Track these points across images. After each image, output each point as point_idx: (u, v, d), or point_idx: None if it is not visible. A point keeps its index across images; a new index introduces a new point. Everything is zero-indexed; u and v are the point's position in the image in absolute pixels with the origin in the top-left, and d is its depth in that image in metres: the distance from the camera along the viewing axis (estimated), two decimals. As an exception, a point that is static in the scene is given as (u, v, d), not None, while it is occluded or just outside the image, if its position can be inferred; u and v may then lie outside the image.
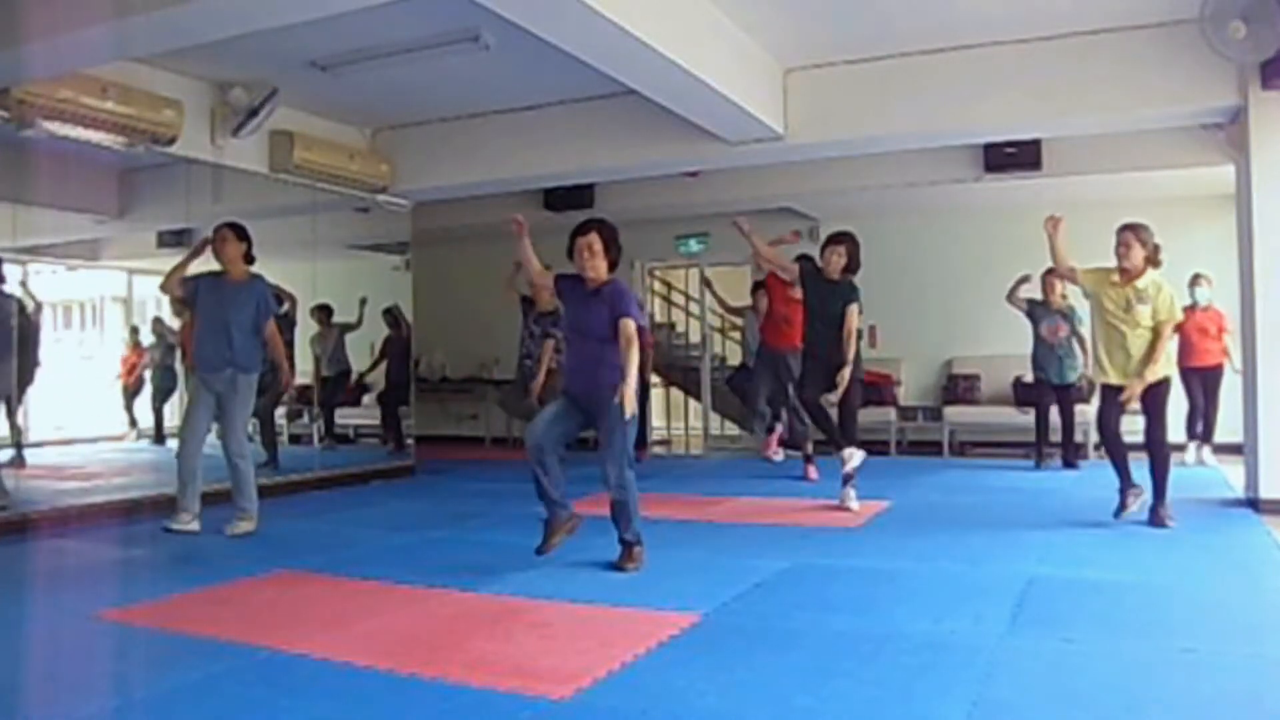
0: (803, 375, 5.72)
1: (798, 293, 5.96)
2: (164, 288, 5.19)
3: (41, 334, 6.70)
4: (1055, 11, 5.36)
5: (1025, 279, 7.02)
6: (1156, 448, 4.83)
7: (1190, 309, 7.30)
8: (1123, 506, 4.93)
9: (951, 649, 2.90)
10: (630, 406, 3.80)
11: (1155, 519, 4.81)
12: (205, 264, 5.23)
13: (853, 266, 5.54)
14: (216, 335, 5.03)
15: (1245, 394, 5.66)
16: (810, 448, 6.78)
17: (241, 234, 5.14)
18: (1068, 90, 5.66)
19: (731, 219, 6.00)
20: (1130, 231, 4.83)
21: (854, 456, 5.50)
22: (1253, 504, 5.38)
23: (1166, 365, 4.87)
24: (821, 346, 5.51)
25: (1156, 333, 4.79)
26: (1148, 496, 4.89)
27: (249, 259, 5.16)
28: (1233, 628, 3.13)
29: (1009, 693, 2.55)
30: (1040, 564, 4.04)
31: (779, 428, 7.45)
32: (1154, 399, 4.83)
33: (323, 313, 8.11)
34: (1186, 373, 7.33)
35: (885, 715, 2.41)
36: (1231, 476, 6.29)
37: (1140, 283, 4.79)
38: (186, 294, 5.12)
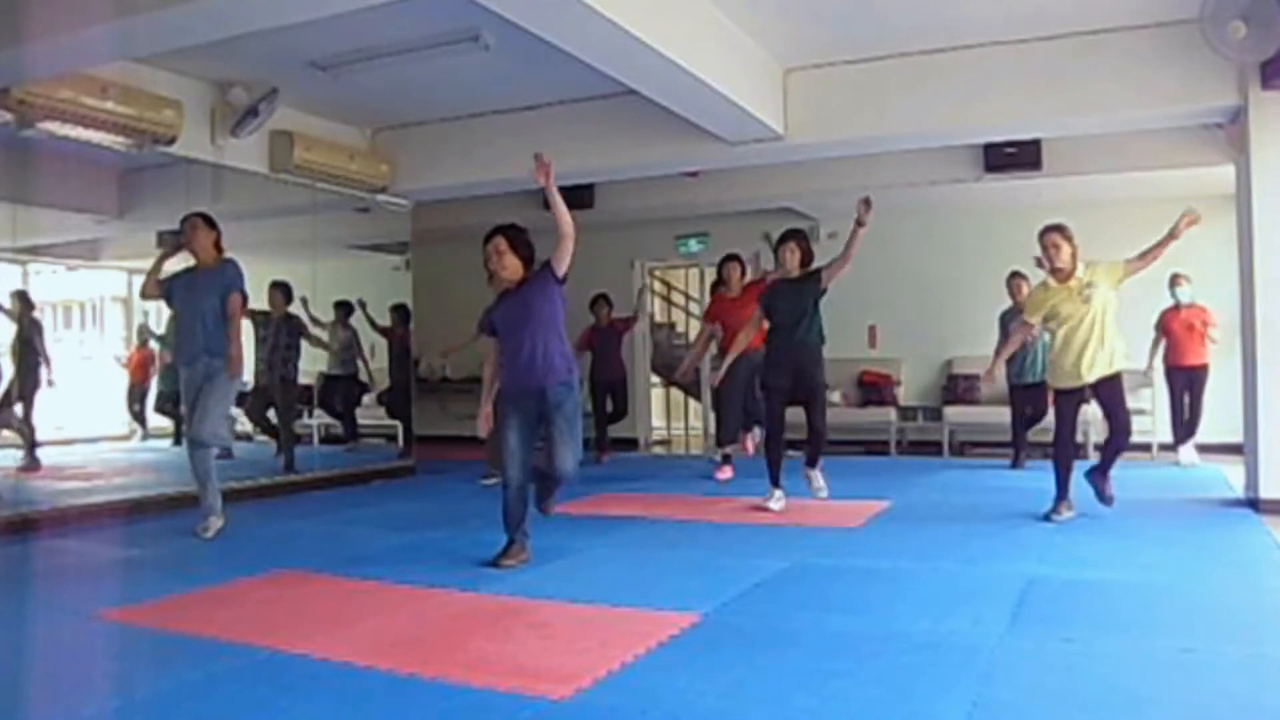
0: (768, 400, 5.60)
1: (731, 294, 6.66)
2: (144, 293, 5.18)
3: (40, 342, 6.69)
4: (1055, 11, 5.36)
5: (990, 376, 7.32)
6: (1122, 433, 4.93)
7: (1174, 309, 7.32)
8: (1055, 512, 5.03)
9: (951, 649, 2.90)
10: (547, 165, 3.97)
11: (1094, 480, 4.97)
12: (182, 260, 5.17)
13: (807, 260, 5.58)
14: (191, 325, 4.96)
15: (1245, 394, 5.66)
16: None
17: (211, 223, 5.06)
18: (1068, 90, 5.66)
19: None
20: (1056, 233, 4.92)
21: (817, 479, 5.72)
22: (1253, 504, 5.37)
23: (1120, 360, 4.92)
24: (787, 355, 5.46)
25: (1136, 265, 4.88)
26: (1074, 514, 5.03)
27: (219, 247, 5.08)
28: (1233, 628, 3.13)
29: (1009, 693, 2.55)
30: (1040, 564, 4.04)
31: (757, 431, 7.16)
32: (1109, 394, 4.92)
33: (341, 310, 8.09)
34: (1172, 371, 7.37)
35: (885, 715, 2.41)
36: (1231, 476, 6.29)
37: (1079, 274, 4.89)
38: (163, 294, 5.08)
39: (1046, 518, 5.02)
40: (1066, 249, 4.88)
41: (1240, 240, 5.65)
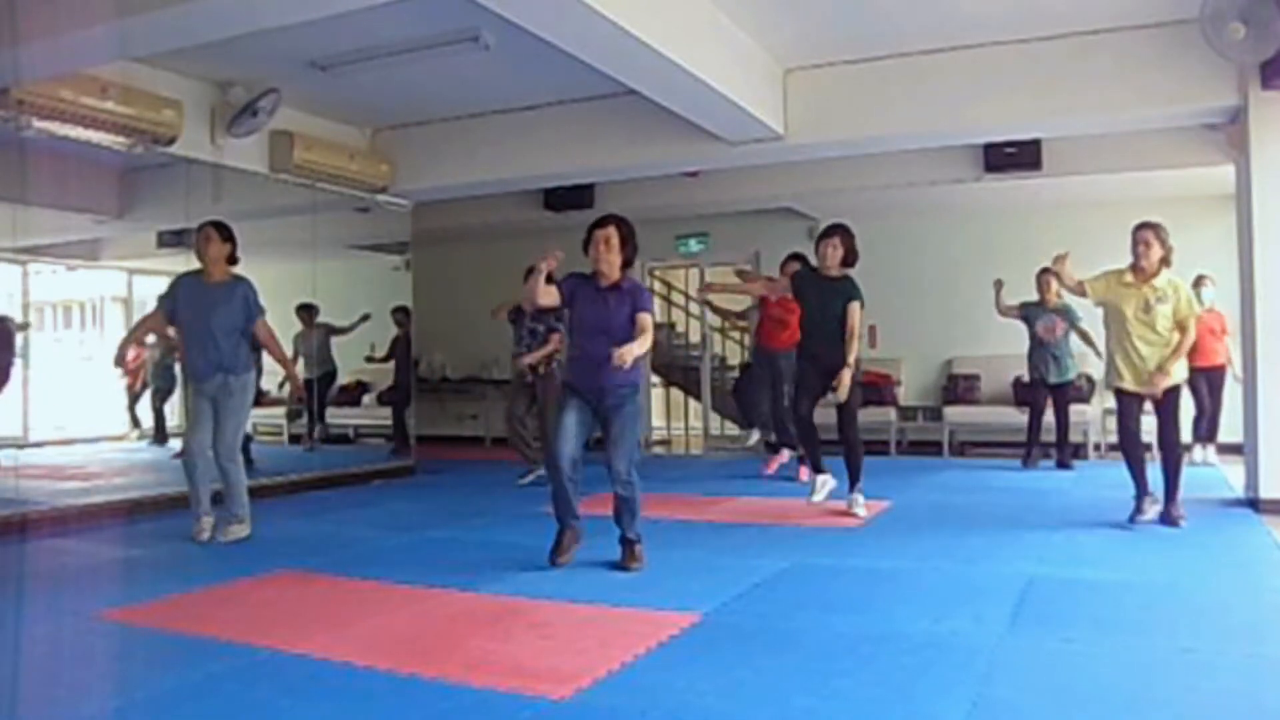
0: (798, 385, 5.49)
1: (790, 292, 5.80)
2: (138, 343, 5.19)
3: (14, 340, 6.62)
4: (1055, 11, 5.36)
5: (999, 284, 7.13)
6: (1170, 449, 4.84)
7: None
8: (1139, 511, 4.87)
9: (951, 649, 2.90)
10: (626, 360, 3.78)
11: (1168, 518, 4.81)
12: (186, 263, 5.10)
13: (850, 259, 5.34)
14: (202, 343, 4.76)
15: (1245, 394, 5.67)
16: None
17: (226, 233, 4.80)
18: (1068, 90, 5.67)
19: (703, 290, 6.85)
20: (1150, 230, 4.77)
21: (858, 502, 5.30)
22: (1253, 504, 5.38)
23: (1183, 369, 4.87)
24: (820, 350, 5.30)
25: (1181, 328, 4.76)
26: (1160, 504, 4.89)
27: (233, 260, 4.85)
28: (1233, 628, 3.13)
29: (1009, 693, 2.55)
30: (1040, 564, 4.04)
31: (785, 453, 7.02)
32: (1170, 402, 4.84)
33: (306, 312, 7.86)
34: (1193, 373, 7.35)
35: (885, 715, 2.41)
36: (1231, 476, 6.29)
37: (1158, 282, 4.76)
38: (166, 320, 4.91)
39: (1131, 520, 4.84)
40: (1157, 251, 4.73)
41: (1240, 240, 5.65)
